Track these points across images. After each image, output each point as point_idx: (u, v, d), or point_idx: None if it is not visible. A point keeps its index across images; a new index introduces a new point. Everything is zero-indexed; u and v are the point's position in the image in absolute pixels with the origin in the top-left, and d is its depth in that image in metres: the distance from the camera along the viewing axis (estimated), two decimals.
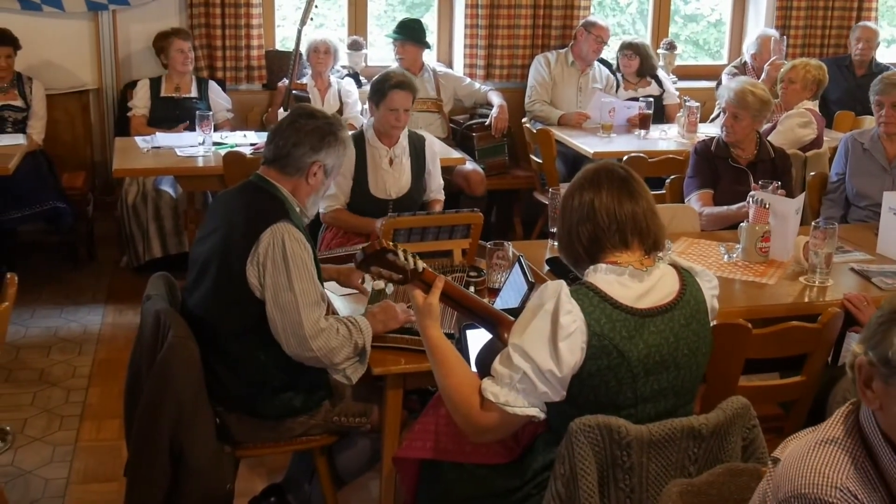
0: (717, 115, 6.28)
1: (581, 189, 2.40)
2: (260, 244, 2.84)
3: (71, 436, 4.04)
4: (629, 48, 6.72)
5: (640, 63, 6.71)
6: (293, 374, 2.97)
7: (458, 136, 6.49)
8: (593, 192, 2.38)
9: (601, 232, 2.36)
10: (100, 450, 3.93)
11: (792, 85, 5.54)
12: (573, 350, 2.23)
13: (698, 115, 6.05)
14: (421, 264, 2.46)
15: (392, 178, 4.53)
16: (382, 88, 4.39)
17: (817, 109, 5.62)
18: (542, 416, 2.32)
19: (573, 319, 2.23)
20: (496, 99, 6.48)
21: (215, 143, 5.36)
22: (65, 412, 4.22)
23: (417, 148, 4.61)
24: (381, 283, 3.13)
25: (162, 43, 6.06)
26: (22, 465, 3.80)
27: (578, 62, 6.58)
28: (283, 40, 6.79)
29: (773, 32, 6.79)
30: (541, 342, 2.24)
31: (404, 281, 2.47)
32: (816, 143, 5.45)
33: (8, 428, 4.03)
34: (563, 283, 2.31)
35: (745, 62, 6.85)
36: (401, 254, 2.43)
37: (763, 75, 6.35)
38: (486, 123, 6.39)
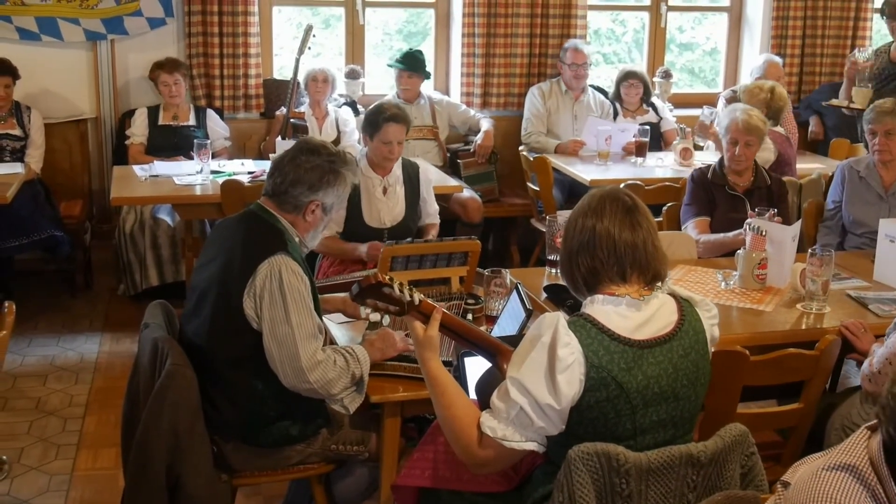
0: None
1: (584, 215, 2.39)
2: (257, 276, 2.84)
3: (67, 465, 4.02)
4: (633, 77, 6.73)
5: (643, 91, 6.75)
6: (290, 403, 2.96)
7: (451, 164, 6.51)
8: (595, 219, 2.37)
9: (599, 265, 2.35)
10: (96, 479, 3.92)
11: None
12: (571, 382, 2.22)
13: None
14: (418, 296, 2.45)
15: (386, 208, 4.54)
16: (376, 121, 4.40)
17: (778, 130, 5.60)
18: (541, 449, 2.32)
19: (571, 352, 2.23)
20: (484, 124, 6.51)
21: (213, 172, 5.38)
22: (61, 441, 4.21)
23: (411, 175, 4.61)
24: (377, 315, 3.13)
25: (153, 74, 6.10)
26: (19, 495, 3.78)
27: (571, 90, 6.61)
28: (281, 69, 6.82)
29: (778, 59, 6.82)
30: (538, 375, 2.23)
31: (401, 313, 2.46)
32: (782, 162, 5.43)
33: (4, 457, 4.01)
34: (560, 314, 2.30)
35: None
36: (396, 287, 2.42)
37: None
38: (472, 150, 6.42)
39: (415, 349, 2.50)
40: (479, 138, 6.43)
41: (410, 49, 6.47)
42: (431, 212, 4.72)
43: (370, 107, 4.62)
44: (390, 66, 6.43)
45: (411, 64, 6.32)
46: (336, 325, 3.35)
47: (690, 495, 2.30)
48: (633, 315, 2.32)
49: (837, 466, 1.73)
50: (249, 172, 5.45)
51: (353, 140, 6.19)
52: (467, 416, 2.37)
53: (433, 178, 4.85)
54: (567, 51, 6.56)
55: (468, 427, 2.35)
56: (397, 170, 4.57)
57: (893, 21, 5.40)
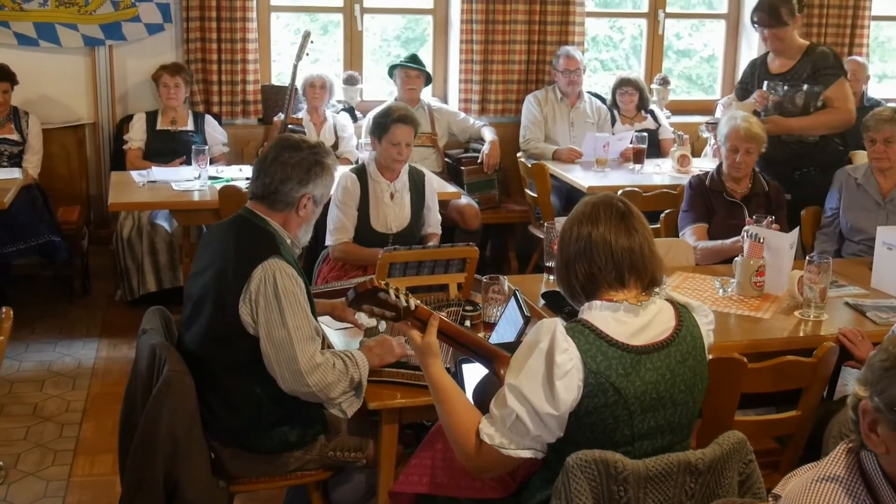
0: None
1: (579, 223, 2.39)
2: (251, 282, 2.84)
3: (64, 471, 4.01)
4: (628, 84, 6.73)
5: (638, 98, 6.75)
6: (289, 409, 2.96)
7: (449, 170, 6.51)
8: (591, 226, 2.36)
9: (597, 270, 2.35)
10: (93, 485, 3.91)
11: None
12: (570, 388, 2.22)
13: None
14: (414, 302, 2.45)
15: (393, 213, 4.55)
16: (385, 122, 4.41)
17: None
18: (539, 455, 2.32)
19: (569, 358, 2.23)
20: (489, 135, 6.50)
21: (211, 178, 5.37)
22: (58, 447, 4.20)
23: (418, 183, 4.63)
24: (373, 321, 3.13)
25: (156, 75, 6.12)
26: (15, 501, 3.77)
27: (566, 97, 6.62)
28: (279, 75, 6.83)
29: None
30: (537, 382, 2.23)
31: (397, 319, 2.47)
32: None
33: (1, 463, 4.00)
34: (558, 320, 2.30)
35: None
36: (392, 292, 2.43)
37: None
38: (479, 161, 6.41)
39: (416, 356, 2.50)
40: (485, 150, 6.40)
41: (414, 54, 6.50)
42: (433, 222, 4.74)
43: (378, 110, 4.62)
44: (395, 66, 6.41)
45: (418, 63, 6.36)
46: (333, 331, 3.35)
47: (689, 503, 2.30)
48: (630, 321, 2.32)
49: (826, 478, 1.74)
50: (247, 178, 5.43)
51: (352, 145, 6.21)
52: (468, 421, 2.37)
53: (436, 186, 4.87)
54: (560, 58, 6.57)
55: (468, 433, 2.35)
56: (404, 176, 4.58)
57: (768, 29, 5.17)
